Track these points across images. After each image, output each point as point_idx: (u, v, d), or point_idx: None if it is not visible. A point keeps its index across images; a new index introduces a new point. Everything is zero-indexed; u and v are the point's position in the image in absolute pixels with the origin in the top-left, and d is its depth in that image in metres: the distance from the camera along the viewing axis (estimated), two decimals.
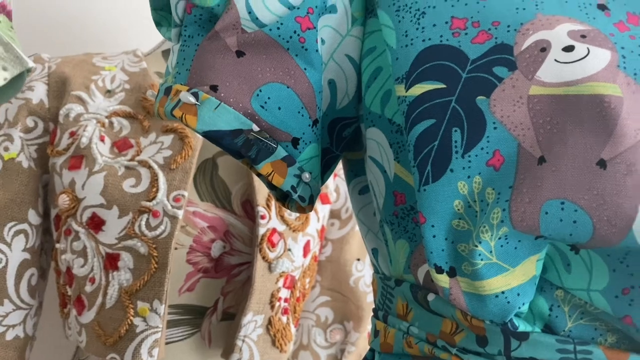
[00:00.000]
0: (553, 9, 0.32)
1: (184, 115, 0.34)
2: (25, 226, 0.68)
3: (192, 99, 0.34)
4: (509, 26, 0.32)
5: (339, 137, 0.41)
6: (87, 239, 0.65)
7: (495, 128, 0.31)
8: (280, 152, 0.36)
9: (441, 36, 0.33)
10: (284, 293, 0.70)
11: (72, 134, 0.68)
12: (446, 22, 0.33)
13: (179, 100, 0.34)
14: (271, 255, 0.67)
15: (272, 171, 0.36)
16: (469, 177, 0.31)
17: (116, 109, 0.71)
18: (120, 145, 0.68)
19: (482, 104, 0.31)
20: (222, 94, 0.34)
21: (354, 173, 0.45)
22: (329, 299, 0.82)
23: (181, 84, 0.36)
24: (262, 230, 0.67)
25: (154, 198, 0.64)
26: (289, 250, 0.70)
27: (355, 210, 0.45)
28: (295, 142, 0.36)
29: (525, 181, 0.30)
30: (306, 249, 0.72)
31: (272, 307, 0.68)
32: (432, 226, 0.32)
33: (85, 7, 0.92)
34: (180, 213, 0.64)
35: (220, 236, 0.68)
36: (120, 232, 0.64)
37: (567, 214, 0.29)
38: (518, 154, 0.30)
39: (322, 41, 0.37)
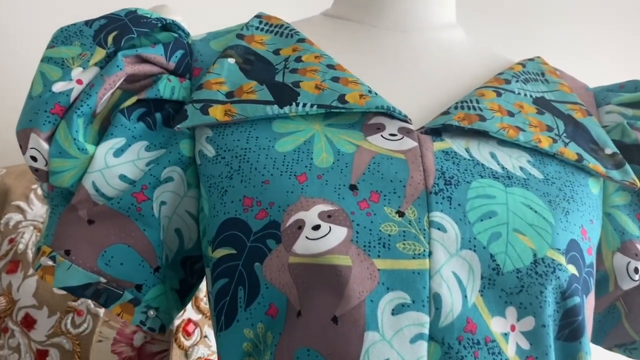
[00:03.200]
0: (314, 191, 0.41)
1: (44, 275, 0.44)
2: None
3: (50, 262, 0.44)
4: (279, 207, 0.41)
5: (192, 270, 0.51)
6: (21, 337, 0.74)
7: (267, 288, 0.40)
8: (127, 296, 0.46)
9: (236, 211, 0.43)
10: None
11: (11, 241, 0.78)
12: (240, 200, 0.43)
13: (40, 263, 0.44)
14: (187, 343, 0.76)
15: (122, 311, 0.46)
16: (252, 324, 0.40)
17: None
18: None
19: (257, 268, 0.40)
20: (74, 257, 0.44)
21: None
22: None
23: (47, 246, 0.45)
24: (176, 322, 0.75)
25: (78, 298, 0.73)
26: (206, 337, 0.78)
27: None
28: (138, 287, 0.46)
29: (287, 330, 0.39)
30: None
31: None
32: None
33: None
34: (101, 311, 0.73)
35: None
36: (49, 330, 0.73)
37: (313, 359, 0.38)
38: (287, 307, 0.39)
39: (164, 202, 0.47)
